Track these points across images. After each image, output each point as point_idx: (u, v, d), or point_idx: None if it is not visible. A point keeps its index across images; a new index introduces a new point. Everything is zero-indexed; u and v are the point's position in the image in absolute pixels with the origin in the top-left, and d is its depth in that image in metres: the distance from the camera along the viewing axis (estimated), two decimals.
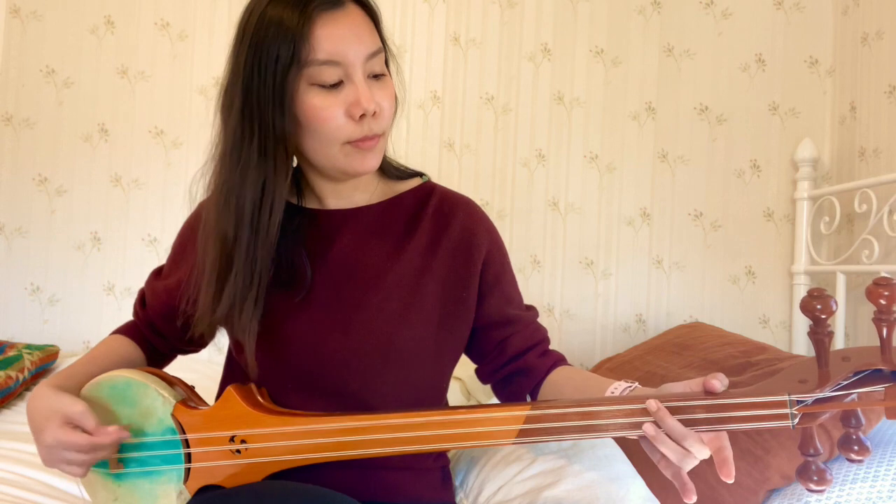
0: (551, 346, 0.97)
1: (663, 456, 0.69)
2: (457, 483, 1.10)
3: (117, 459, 0.86)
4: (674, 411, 0.67)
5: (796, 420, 0.65)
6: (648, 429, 0.68)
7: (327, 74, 0.78)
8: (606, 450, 1.05)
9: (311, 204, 0.92)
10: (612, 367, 1.66)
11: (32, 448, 1.24)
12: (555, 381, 0.90)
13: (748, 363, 1.30)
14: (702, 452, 0.67)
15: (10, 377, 1.54)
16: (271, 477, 0.81)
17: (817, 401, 0.65)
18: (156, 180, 1.98)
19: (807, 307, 0.64)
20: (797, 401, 0.65)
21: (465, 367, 1.01)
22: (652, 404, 0.68)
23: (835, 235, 1.88)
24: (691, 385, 0.70)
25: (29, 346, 1.68)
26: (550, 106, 2.00)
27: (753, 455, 1.08)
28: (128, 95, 1.98)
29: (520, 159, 1.99)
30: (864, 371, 0.65)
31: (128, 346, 0.97)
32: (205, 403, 0.88)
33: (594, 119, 1.99)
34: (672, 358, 1.51)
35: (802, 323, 1.88)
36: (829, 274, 1.81)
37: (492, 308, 0.93)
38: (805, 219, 1.89)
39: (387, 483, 0.89)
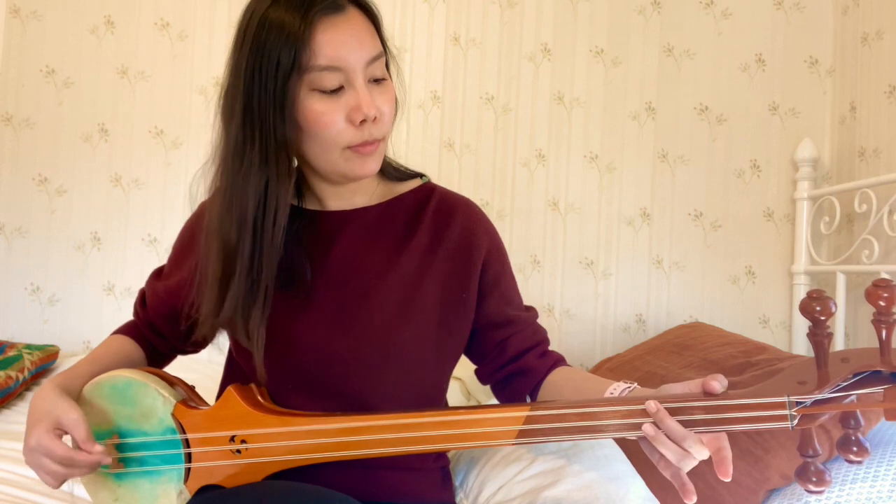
0: (551, 347, 0.97)
1: (662, 456, 0.69)
2: (457, 483, 1.10)
3: (118, 459, 0.86)
4: (673, 412, 0.68)
5: (795, 421, 0.65)
6: (648, 429, 0.68)
7: (328, 80, 0.78)
8: (606, 450, 1.05)
9: (311, 205, 0.92)
10: (612, 368, 1.66)
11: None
12: (554, 382, 0.90)
13: (748, 363, 1.30)
14: (701, 453, 0.67)
15: (10, 377, 1.55)
16: (271, 477, 0.81)
17: (816, 402, 0.65)
18: (156, 180, 1.98)
19: (806, 309, 0.64)
20: (796, 402, 0.65)
21: (465, 367, 1.01)
22: (651, 405, 0.68)
23: (835, 235, 1.88)
24: (690, 386, 0.70)
25: (29, 346, 1.68)
26: (550, 106, 2.00)
27: (753, 455, 1.08)
28: (128, 95, 1.98)
29: (520, 159, 1.99)
30: (863, 372, 0.65)
31: (129, 346, 0.98)
32: (205, 403, 0.88)
33: (594, 119, 2.00)
34: (672, 358, 1.51)
35: (802, 323, 1.88)
36: (829, 274, 1.81)
37: (491, 309, 0.93)
38: (805, 219, 1.89)
39: (387, 483, 0.89)
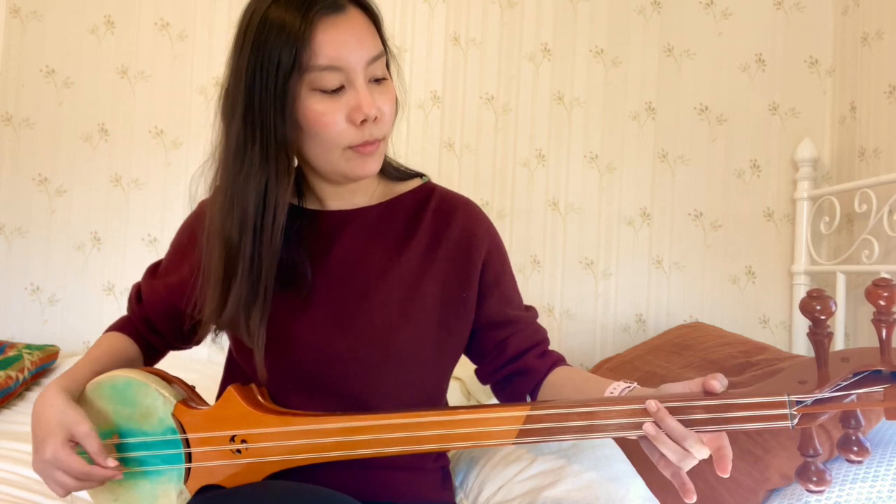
0: (551, 347, 0.97)
1: (662, 455, 0.69)
2: (457, 483, 1.10)
3: (118, 459, 0.86)
4: (673, 412, 0.68)
5: (795, 420, 0.65)
6: (649, 429, 0.68)
7: (329, 80, 0.78)
8: (606, 450, 1.05)
9: (311, 205, 0.92)
10: (612, 367, 1.66)
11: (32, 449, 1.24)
12: (554, 382, 0.90)
13: (748, 363, 1.30)
14: (701, 452, 0.67)
15: (10, 377, 1.54)
16: (271, 477, 0.81)
17: (817, 401, 0.65)
18: (156, 180, 1.98)
19: (806, 308, 0.64)
20: (796, 401, 0.65)
21: (465, 367, 1.01)
22: (652, 405, 0.68)
23: (835, 235, 1.88)
24: (690, 385, 0.70)
25: (29, 346, 1.68)
26: (550, 106, 2.00)
27: (753, 455, 1.08)
28: (128, 95, 1.98)
29: (520, 159, 1.99)
30: (863, 372, 0.65)
31: (125, 344, 0.97)
32: (205, 403, 0.88)
33: (594, 119, 2.00)
34: (672, 358, 1.51)
35: (802, 323, 1.88)
36: (829, 274, 1.81)
37: (491, 308, 0.93)
38: (805, 219, 1.89)
39: (387, 483, 0.89)
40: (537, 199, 1.99)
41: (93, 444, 0.80)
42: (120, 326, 1.00)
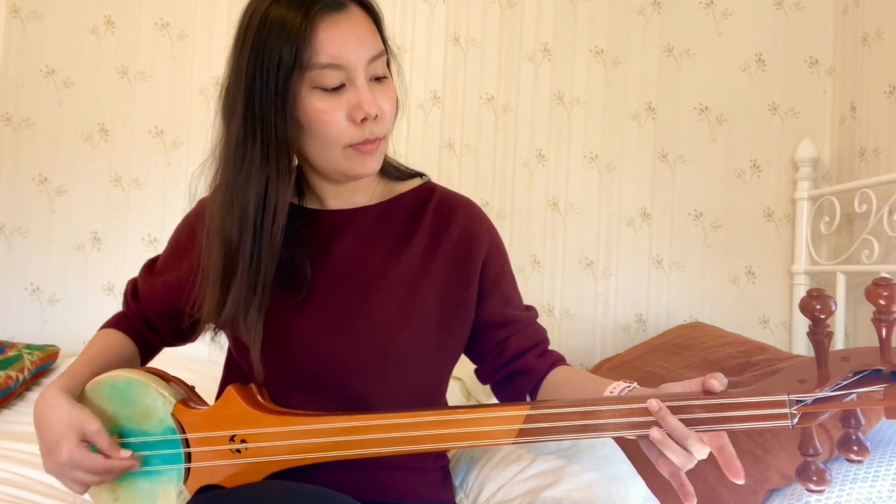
0: (551, 347, 0.97)
1: (661, 455, 0.69)
2: (457, 483, 1.10)
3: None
4: (673, 411, 0.67)
5: (795, 420, 0.65)
6: (655, 434, 0.68)
7: (329, 78, 0.78)
8: (606, 450, 1.05)
9: (311, 204, 0.92)
10: (612, 367, 1.66)
11: (32, 448, 1.24)
12: (553, 382, 0.90)
13: (748, 363, 1.30)
14: (702, 452, 0.67)
15: (10, 377, 1.54)
16: (271, 477, 0.81)
17: (817, 401, 0.65)
18: (156, 180, 1.98)
19: (806, 307, 0.64)
20: (796, 400, 0.65)
21: (465, 367, 1.01)
22: (653, 404, 0.68)
23: (835, 235, 1.88)
24: (690, 385, 0.70)
25: (29, 346, 1.68)
26: (550, 106, 2.00)
27: (753, 455, 1.08)
28: (128, 95, 1.98)
29: (520, 159, 1.99)
30: (863, 371, 0.65)
31: (122, 341, 0.97)
32: (205, 403, 0.88)
33: (594, 119, 1.99)
34: (672, 358, 1.51)
35: (802, 323, 1.88)
36: (829, 274, 1.81)
37: (491, 308, 0.93)
38: (805, 219, 1.89)
39: (387, 483, 0.89)
40: (537, 199, 1.99)
41: (104, 440, 0.81)
42: (115, 323, 1.00)
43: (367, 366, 0.86)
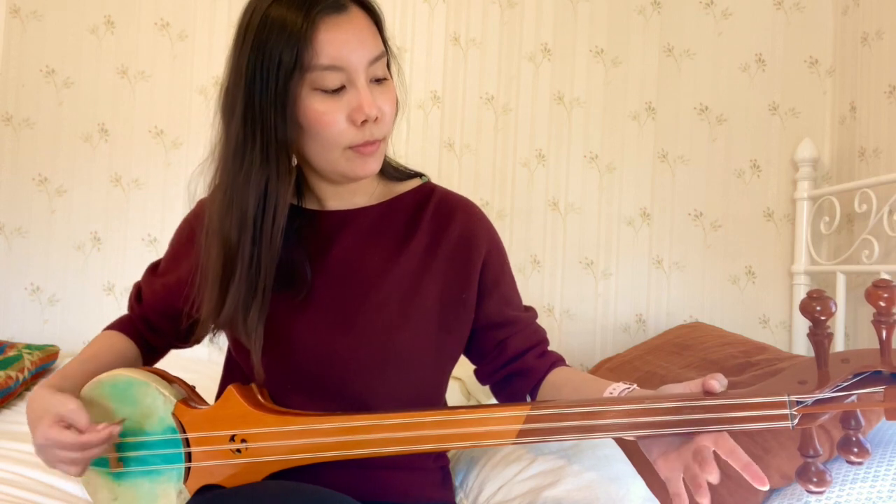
0: (551, 347, 0.97)
1: (661, 455, 0.69)
2: (457, 483, 1.10)
3: (117, 459, 0.86)
4: (673, 411, 0.68)
5: (796, 421, 0.65)
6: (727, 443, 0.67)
7: (330, 80, 0.78)
8: (606, 450, 1.05)
9: (311, 205, 0.92)
10: (611, 368, 1.66)
11: (32, 448, 1.24)
12: (553, 382, 0.90)
13: (748, 363, 1.30)
14: (712, 476, 0.67)
15: (10, 377, 1.54)
16: (271, 477, 0.81)
17: (817, 402, 0.65)
18: (156, 180, 1.98)
19: (806, 309, 0.64)
20: (797, 401, 0.65)
21: (465, 367, 1.01)
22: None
23: (835, 235, 1.88)
24: (690, 386, 0.70)
25: (29, 346, 1.68)
26: (550, 106, 2.00)
27: (753, 455, 1.08)
28: (128, 95, 1.98)
29: (520, 159, 1.99)
30: (863, 373, 0.65)
31: (123, 342, 0.97)
32: (205, 403, 0.88)
33: (594, 119, 1.99)
34: (672, 358, 1.51)
35: (802, 323, 1.88)
36: (829, 274, 1.81)
37: (491, 309, 0.93)
38: (805, 219, 1.89)
39: (387, 483, 0.89)
40: (537, 199, 1.99)
41: (82, 418, 0.79)
42: (118, 325, 1.00)
43: (367, 366, 0.86)
